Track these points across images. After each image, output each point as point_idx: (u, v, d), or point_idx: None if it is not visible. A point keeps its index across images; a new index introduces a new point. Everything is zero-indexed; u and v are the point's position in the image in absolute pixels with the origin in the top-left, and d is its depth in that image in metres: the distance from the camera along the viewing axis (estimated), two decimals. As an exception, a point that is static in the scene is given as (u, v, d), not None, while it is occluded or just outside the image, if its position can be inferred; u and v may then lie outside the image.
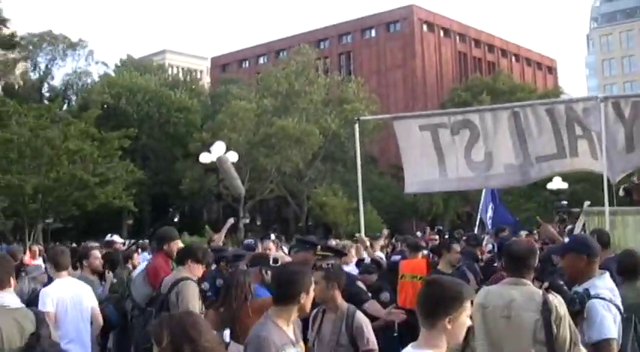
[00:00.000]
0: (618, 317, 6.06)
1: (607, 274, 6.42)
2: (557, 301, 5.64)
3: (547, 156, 10.08)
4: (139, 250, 18.81)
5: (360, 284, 9.34)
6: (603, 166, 9.61)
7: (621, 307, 6.14)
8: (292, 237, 33.00)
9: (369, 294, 9.21)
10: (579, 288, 6.16)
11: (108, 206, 55.12)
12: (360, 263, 11.73)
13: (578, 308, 5.98)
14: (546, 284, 6.23)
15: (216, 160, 15.35)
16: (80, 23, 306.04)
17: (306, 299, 5.59)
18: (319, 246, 9.77)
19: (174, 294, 7.93)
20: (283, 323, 5.46)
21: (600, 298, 6.05)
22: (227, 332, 6.17)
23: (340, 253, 10.49)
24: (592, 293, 6.09)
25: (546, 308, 5.55)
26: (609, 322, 5.94)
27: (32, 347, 5.03)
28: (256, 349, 5.24)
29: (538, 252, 6.21)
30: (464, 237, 18.35)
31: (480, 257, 12.98)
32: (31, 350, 5.02)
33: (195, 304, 7.89)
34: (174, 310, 7.58)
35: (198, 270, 8.39)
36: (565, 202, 37.43)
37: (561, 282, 6.24)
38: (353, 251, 12.65)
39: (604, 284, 6.24)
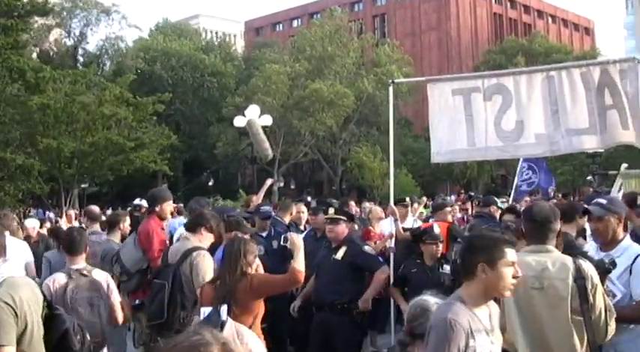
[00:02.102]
0: None
1: (628, 236, 6.32)
2: (590, 268, 5.30)
3: (578, 131, 9.88)
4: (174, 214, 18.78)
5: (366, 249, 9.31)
6: (634, 135, 9.44)
7: None
8: (327, 200, 33.06)
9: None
10: (607, 256, 5.98)
11: (142, 170, 55.57)
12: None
13: (602, 277, 5.61)
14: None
15: (245, 123, 15.23)
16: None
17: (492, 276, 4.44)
18: (333, 209, 9.70)
19: (188, 266, 7.39)
20: (475, 303, 4.43)
21: None
22: (224, 308, 5.26)
23: (351, 217, 10.44)
24: (631, 253, 5.98)
25: (581, 276, 5.20)
26: None
27: (57, 315, 5.05)
28: (441, 334, 4.29)
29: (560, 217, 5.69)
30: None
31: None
32: (57, 318, 5.03)
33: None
34: (188, 284, 7.30)
35: (209, 240, 7.91)
36: (596, 166, 37.10)
37: (586, 249, 6.06)
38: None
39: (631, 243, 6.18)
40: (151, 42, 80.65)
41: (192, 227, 7.93)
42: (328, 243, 9.35)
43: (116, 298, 7.62)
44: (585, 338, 5.25)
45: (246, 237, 7.62)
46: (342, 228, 9.21)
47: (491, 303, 4.58)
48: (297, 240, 6.99)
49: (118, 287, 8.44)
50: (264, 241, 9.95)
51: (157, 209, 9.09)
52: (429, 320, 4.56)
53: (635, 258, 5.93)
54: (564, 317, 5.23)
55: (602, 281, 5.46)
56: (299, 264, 6.79)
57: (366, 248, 9.44)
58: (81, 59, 78.76)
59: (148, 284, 8.30)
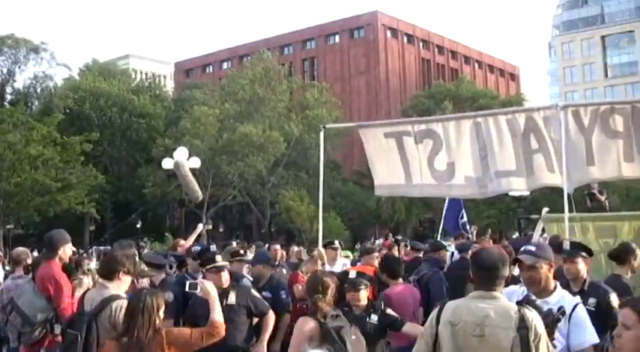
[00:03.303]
0: None
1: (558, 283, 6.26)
2: (535, 317, 5.13)
3: (506, 172, 10.16)
4: (97, 256, 18.39)
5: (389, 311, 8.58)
6: (559, 178, 9.72)
7: None
8: (255, 243, 33.00)
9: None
10: (546, 304, 5.76)
11: (70, 212, 54.90)
12: None
13: (552, 326, 5.46)
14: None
15: (172, 165, 15.26)
16: (43, 27, 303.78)
17: None
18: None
19: (107, 317, 6.67)
20: None
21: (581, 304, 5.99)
22: None
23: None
24: (568, 302, 5.88)
25: (524, 326, 5.01)
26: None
27: None
28: None
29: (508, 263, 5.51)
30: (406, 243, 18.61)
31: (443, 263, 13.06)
32: None
33: None
34: (108, 335, 6.50)
35: (127, 284, 7.26)
36: (522, 209, 37.75)
37: (534, 297, 5.65)
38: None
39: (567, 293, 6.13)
40: (80, 82, 79.84)
41: (106, 273, 7.18)
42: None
43: None
44: None
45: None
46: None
47: None
48: (210, 288, 6.60)
49: (18, 339, 8.16)
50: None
51: (60, 252, 8.43)
52: None
53: (574, 308, 5.89)
54: None
55: (552, 331, 5.36)
56: (218, 314, 6.42)
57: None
58: (8, 97, 77.63)
59: (53, 334, 7.94)
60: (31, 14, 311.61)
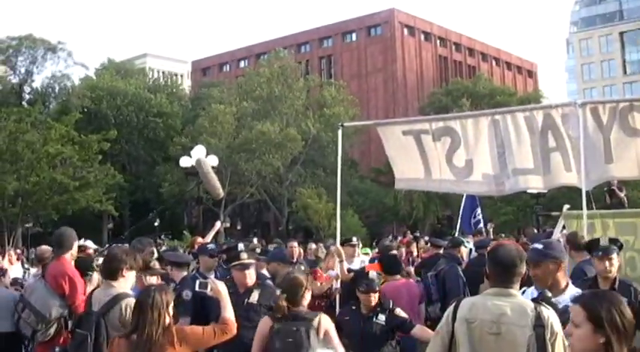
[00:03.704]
0: None
1: (570, 282, 6.16)
2: (552, 315, 5.06)
3: (524, 170, 10.14)
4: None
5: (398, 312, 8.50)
6: (576, 177, 9.69)
7: None
8: (272, 240, 33.07)
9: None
10: (560, 301, 5.74)
11: (88, 210, 55.18)
12: None
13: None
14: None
15: (194, 163, 15.38)
16: (60, 27, 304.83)
17: None
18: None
19: (116, 315, 6.61)
20: None
21: None
22: None
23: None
24: None
25: (540, 324, 4.95)
26: None
27: None
28: None
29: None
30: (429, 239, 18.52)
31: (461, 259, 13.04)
32: None
33: None
34: (117, 333, 6.30)
35: (132, 279, 7.17)
36: (540, 206, 37.64)
37: (549, 294, 5.71)
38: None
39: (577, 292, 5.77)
40: (97, 81, 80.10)
41: (109, 273, 7.05)
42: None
43: None
44: None
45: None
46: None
47: None
48: (220, 287, 6.47)
49: (32, 336, 8.14)
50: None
51: (72, 249, 8.56)
52: None
53: None
54: None
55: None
56: (229, 312, 6.33)
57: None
58: (27, 97, 77.99)
59: (67, 331, 7.80)
60: (49, 14, 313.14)
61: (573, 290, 6.05)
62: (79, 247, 15.98)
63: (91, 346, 6.42)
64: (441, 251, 13.44)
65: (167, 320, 5.84)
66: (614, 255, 7.60)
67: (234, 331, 6.31)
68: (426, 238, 22.26)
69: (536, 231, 25.43)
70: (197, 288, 6.84)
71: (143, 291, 6.22)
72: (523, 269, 5.28)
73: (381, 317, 8.38)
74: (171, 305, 5.95)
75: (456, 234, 20.86)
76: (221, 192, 16.09)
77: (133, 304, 6.27)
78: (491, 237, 18.89)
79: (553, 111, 9.95)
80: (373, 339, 8.12)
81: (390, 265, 10.11)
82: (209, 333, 6.14)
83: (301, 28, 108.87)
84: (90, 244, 17.45)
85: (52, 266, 8.44)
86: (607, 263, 7.51)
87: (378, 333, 8.25)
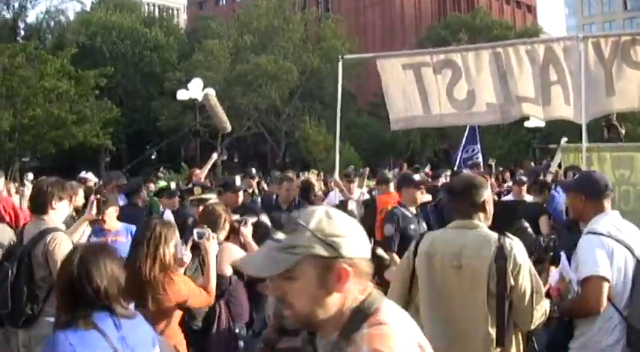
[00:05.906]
0: (622, 256, 5.09)
1: (617, 212, 5.47)
2: (516, 246, 4.79)
3: (526, 98, 10.20)
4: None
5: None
6: (574, 111, 9.75)
7: (633, 247, 5.14)
8: (270, 173, 33.22)
9: None
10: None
11: (85, 144, 55.14)
12: None
13: (542, 257, 5.36)
14: None
15: (202, 96, 15.36)
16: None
17: None
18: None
19: (41, 252, 6.32)
20: None
21: (594, 233, 5.19)
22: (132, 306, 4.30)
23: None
24: (588, 229, 5.26)
25: (502, 256, 4.69)
26: (599, 258, 5.01)
27: None
28: None
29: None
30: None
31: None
32: None
33: None
34: (41, 270, 6.25)
35: (64, 211, 6.87)
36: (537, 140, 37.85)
37: (526, 224, 5.57)
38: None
39: (609, 220, 5.30)
40: (92, 15, 79.40)
41: (37, 207, 6.77)
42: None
43: None
44: (508, 324, 4.78)
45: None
46: None
47: None
48: (209, 244, 6.13)
49: None
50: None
51: None
52: None
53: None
54: (480, 300, 4.76)
55: (542, 261, 5.22)
56: (210, 279, 6.00)
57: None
58: (21, 33, 77.29)
59: None
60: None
61: (597, 219, 5.42)
62: (80, 179, 16.04)
63: (11, 279, 6.25)
64: (440, 183, 13.53)
65: (167, 257, 5.54)
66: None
67: (211, 301, 6.11)
68: (427, 170, 22.35)
69: (533, 164, 25.58)
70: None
71: (143, 223, 6.03)
72: (480, 198, 4.96)
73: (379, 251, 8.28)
74: (173, 242, 5.64)
75: (455, 168, 21.05)
76: (229, 126, 15.97)
77: (61, 239, 6.31)
78: (494, 171, 18.98)
79: (555, 44, 9.97)
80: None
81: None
82: (197, 295, 5.84)
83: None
84: (91, 176, 17.42)
85: None
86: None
87: None
